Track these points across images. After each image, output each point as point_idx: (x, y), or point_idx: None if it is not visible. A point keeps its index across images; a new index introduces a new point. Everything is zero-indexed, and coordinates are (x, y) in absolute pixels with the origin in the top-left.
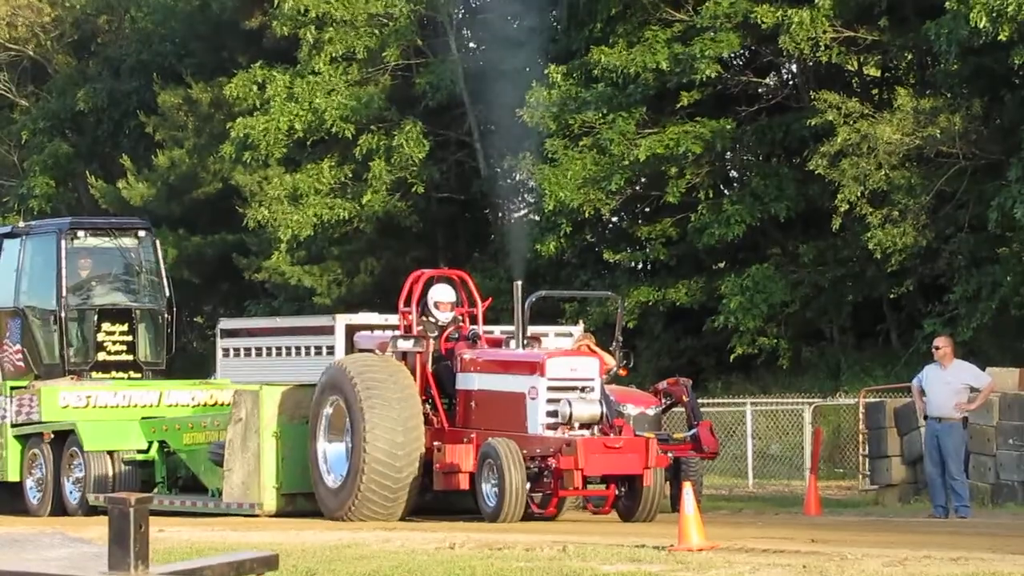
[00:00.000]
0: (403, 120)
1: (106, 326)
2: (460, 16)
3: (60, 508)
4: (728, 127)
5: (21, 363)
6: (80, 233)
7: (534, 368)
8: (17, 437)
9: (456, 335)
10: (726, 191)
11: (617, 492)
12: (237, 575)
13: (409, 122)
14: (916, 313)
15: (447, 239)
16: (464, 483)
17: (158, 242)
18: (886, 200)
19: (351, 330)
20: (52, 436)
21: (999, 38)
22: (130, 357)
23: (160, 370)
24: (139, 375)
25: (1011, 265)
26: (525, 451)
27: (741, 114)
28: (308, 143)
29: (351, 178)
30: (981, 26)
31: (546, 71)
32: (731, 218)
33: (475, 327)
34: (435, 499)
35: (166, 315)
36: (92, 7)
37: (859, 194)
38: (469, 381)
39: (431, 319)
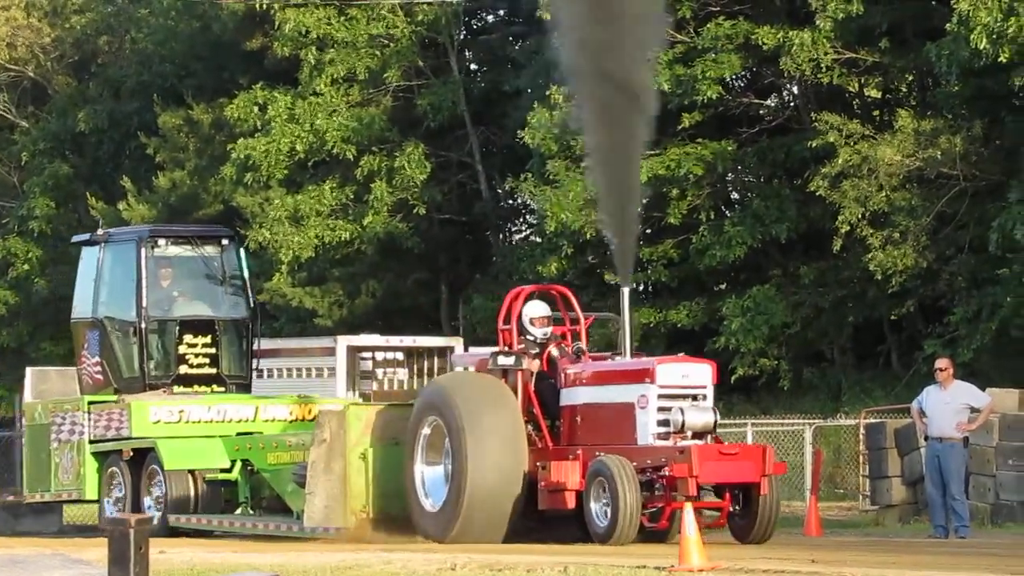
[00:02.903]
0: (404, 141)
1: (188, 338)
2: (462, 37)
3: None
4: (729, 148)
5: (100, 376)
6: (161, 241)
7: (644, 376)
8: (95, 454)
9: (558, 352)
10: (727, 212)
11: (732, 508)
12: None
13: (411, 143)
14: (917, 334)
15: (449, 261)
16: (571, 502)
17: (242, 251)
18: (887, 221)
19: (353, 351)
20: (132, 453)
21: (1000, 60)
22: (213, 370)
23: (244, 384)
24: (223, 389)
25: (1012, 287)
26: (635, 463)
27: (742, 135)
28: (309, 164)
29: (352, 199)
30: (982, 48)
31: (548, 92)
32: (732, 239)
33: (579, 343)
34: (537, 523)
35: (250, 326)
36: (92, 28)
37: (860, 215)
38: (574, 396)
39: (529, 336)
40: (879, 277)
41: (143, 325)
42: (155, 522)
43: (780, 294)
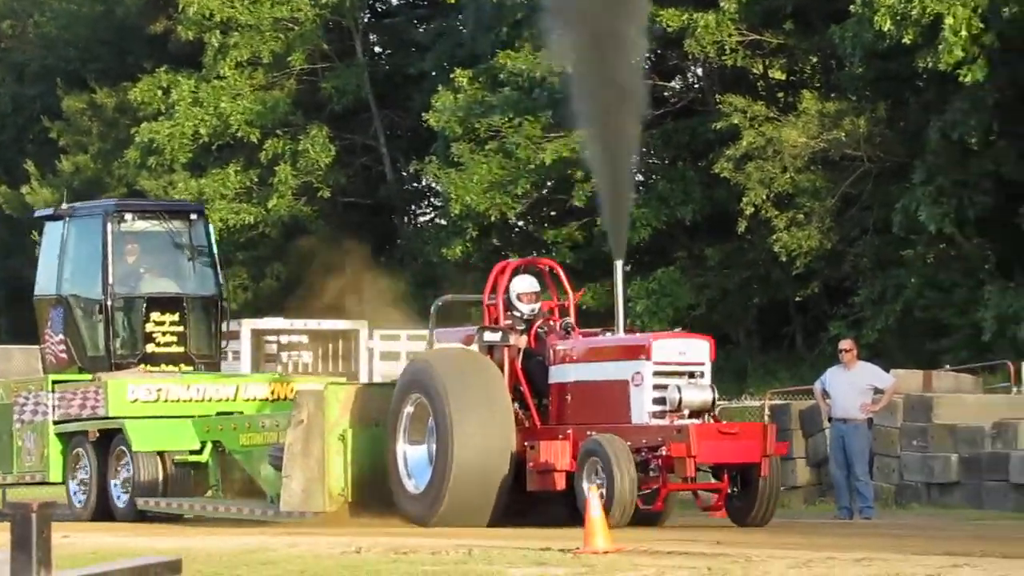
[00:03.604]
0: (309, 125)
1: (155, 316)
2: (366, 21)
3: (106, 512)
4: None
5: (64, 355)
6: (128, 216)
7: (639, 352)
8: (60, 435)
9: (546, 328)
10: (635, 195)
11: (731, 489)
12: None
13: (315, 127)
14: (821, 315)
15: (353, 244)
16: (560, 483)
17: (211, 226)
18: (791, 203)
19: (257, 335)
20: (98, 435)
21: (903, 41)
22: (181, 349)
23: (212, 363)
24: (190, 368)
25: (916, 268)
26: (630, 443)
27: (648, 118)
28: (213, 148)
29: (257, 183)
30: (886, 30)
31: (452, 75)
32: (637, 221)
33: (567, 318)
34: (525, 505)
35: (219, 304)
36: None
37: (764, 197)
38: (564, 374)
39: (516, 312)
40: (784, 259)
41: (109, 302)
42: (123, 505)
43: (685, 276)
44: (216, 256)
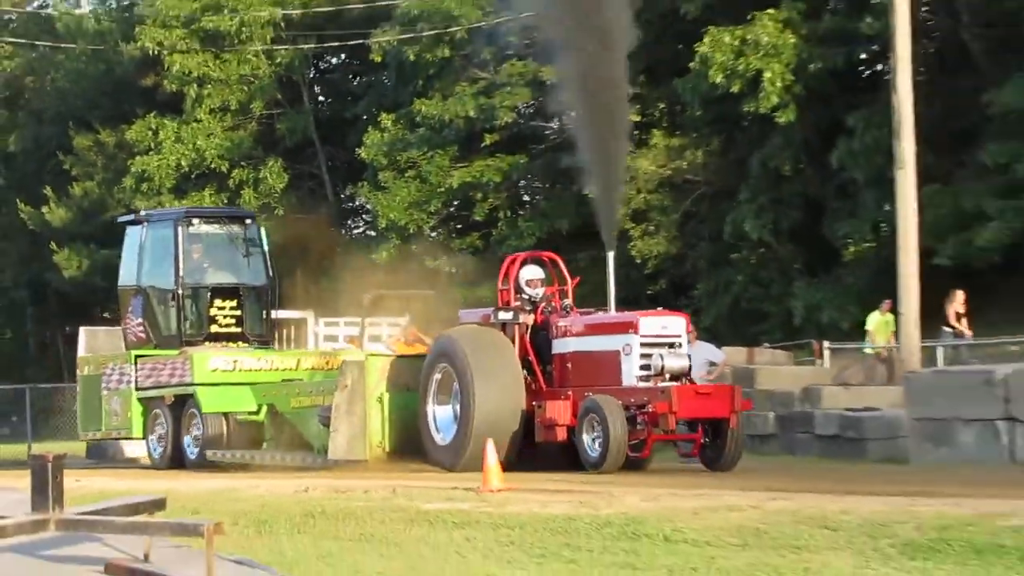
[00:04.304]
0: (267, 158)
1: (217, 302)
2: (311, 76)
3: (179, 461)
4: (522, 161)
5: (142, 335)
6: (195, 220)
7: (628, 327)
8: (140, 399)
9: (551, 308)
10: (520, 211)
11: (704, 439)
12: (133, 514)
13: (272, 159)
14: (669, 306)
15: (302, 251)
16: (562, 435)
17: (263, 229)
18: (645, 217)
19: None
20: (173, 399)
21: (732, 91)
22: (238, 329)
23: (264, 340)
24: (246, 344)
25: (742, 268)
26: (621, 401)
27: (532, 151)
28: (192, 176)
29: (226, 203)
30: (718, 81)
31: (379, 118)
32: (524, 232)
33: (567, 300)
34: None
35: (269, 292)
36: (20, 69)
37: (624, 213)
38: (565, 345)
39: (524, 295)
40: (639, 261)
41: (180, 291)
42: (193, 456)
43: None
44: (266, 253)
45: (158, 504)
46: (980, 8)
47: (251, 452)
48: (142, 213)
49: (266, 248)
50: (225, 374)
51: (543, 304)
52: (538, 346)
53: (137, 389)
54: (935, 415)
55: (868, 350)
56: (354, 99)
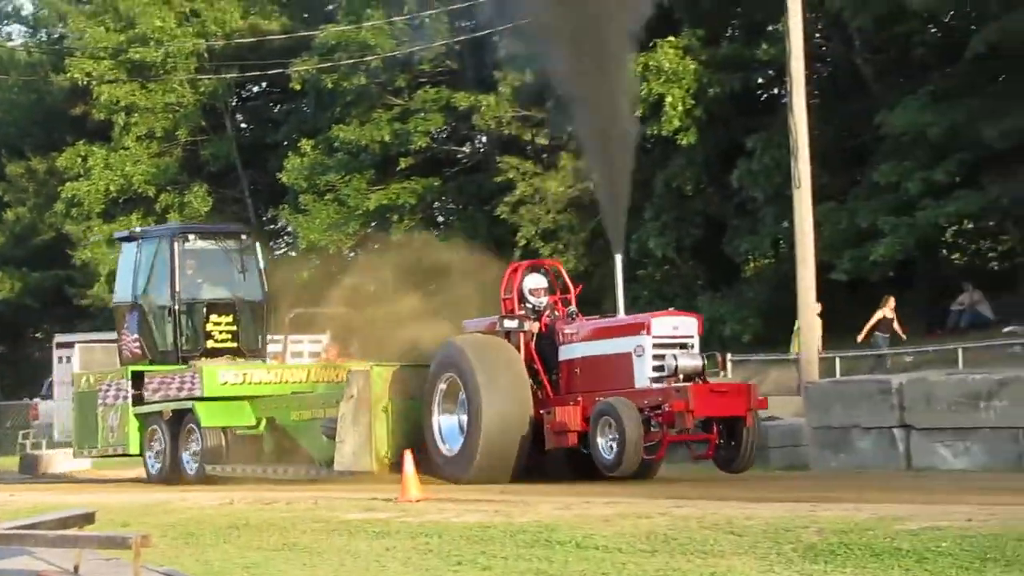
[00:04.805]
0: (192, 182)
1: (213, 318)
2: (234, 103)
3: (176, 477)
4: (436, 184)
5: (138, 350)
6: (190, 236)
7: (640, 328)
8: (137, 415)
9: (555, 316)
10: (436, 232)
11: (719, 440)
12: (63, 528)
13: (197, 184)
14: None
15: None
16: (574, 440)
17: (257, 244)
18: (554, 236)
19: None
20: (171, 414)
21: (637, 115)
22: (234, 344)
23: (259, 356)
24: (242, 359)
25: (647, 283)
26: (635, 403)
27: (446, 174)
28: (120, 201)
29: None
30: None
31: (299, 144)
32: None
33: (572, 307)
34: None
35: (264, 308)
36: None
37: (534, 232)
38: (573, 351)
39: (528, 304)
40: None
41: (176, 307)
42: (192, 472)
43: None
44: (261, 269)
45: (87, 518)
46: (871, 33)
47: (251, 466)
48: (137, 229)
49: (261, 263)
50: (236, 387)
51: (547, 312)
52: (543, 354)
53: (135, 404)
54: (834, 423)
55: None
56: (275, 125)
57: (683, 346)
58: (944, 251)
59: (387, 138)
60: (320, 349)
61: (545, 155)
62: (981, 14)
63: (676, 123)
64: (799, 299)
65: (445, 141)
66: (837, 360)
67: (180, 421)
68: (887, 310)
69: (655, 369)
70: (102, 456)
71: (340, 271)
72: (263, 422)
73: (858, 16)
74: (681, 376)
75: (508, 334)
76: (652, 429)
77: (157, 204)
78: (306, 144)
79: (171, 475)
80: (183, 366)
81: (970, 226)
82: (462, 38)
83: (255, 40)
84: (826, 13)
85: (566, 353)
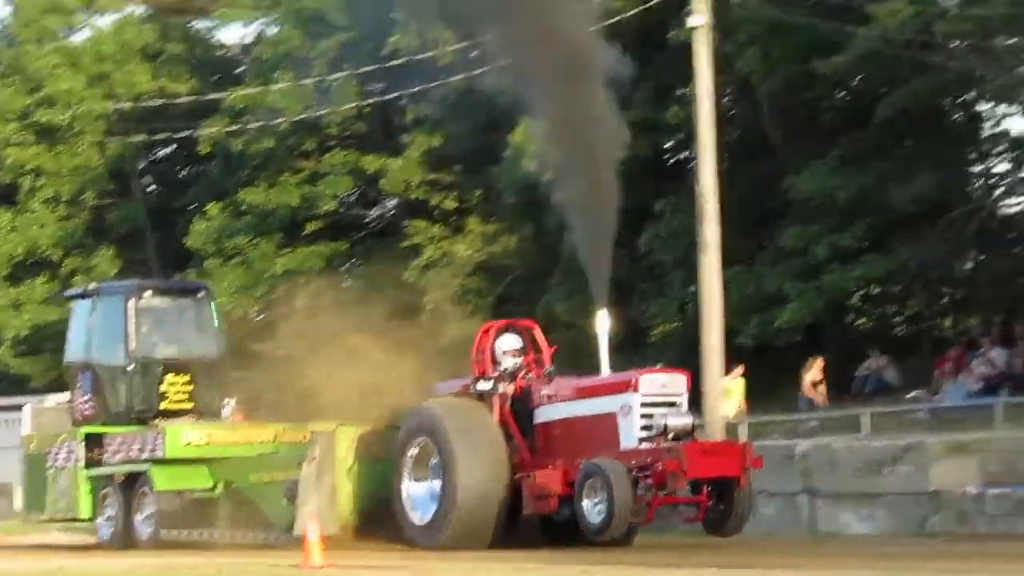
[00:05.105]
0: (99, 246)
1: (169, 377)
2: (141, 166)
3: (130, 542)
4: (343, 247)
5: (91, 411)
6: (146, 293)
7: (627, 386)
8: (89, 478)
9: (530, 377)
10: (342, 295)
11: (709, 503)
12: None
13: (103, 247)
14: None
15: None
16: (554, 505)
17: (213, 302)
18: (463, 300)
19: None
20: (123, 477)
21: (543, 178)
22: (190, 405)
23: (215, 415)
24: (158, 422)
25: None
26: (623, 464)
27: (353, 237)
28: (27, 264)
29: (60, 291)
30: (531, 170)
31: (206, 208)
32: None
33: (550, 367)
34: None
35: (221, 366)
36: None
37: (442, 297)
38: (551, 413)
39: (501, 365)
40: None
41: (131, 367)
42: (146, 537)
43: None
44: (217, 326)
45: None
46: (779, 97)
47: (208, 530)
48: (90, 286)
49: (216, 321)
50: (199, 448)
51: (521, 373)
52: (518, 416)
53: (87, 467)
54: None
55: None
56: (183, 188)
57: (671, 404)
58: (851, 316)
59: (295, 201)
60: (227, 413)
61: (454, 218)
62: (890, 79)
63: None
64: (704, 364)
65: (353, 204)
66: (745, 425)
67: (133, 484)
68: (816, 372)
69: (643, 428)
70: (50, 521)
71: (246, 335)
72: (220, 485)
73: (767, 80)
74: (670, 436)
75: (481, 396)
76: (638, 492)
77: (63, 268)
78: (213, 207)
79: (124, 540)
80: (144, 426)
81: (877, 291)
82: (371, 101)
83: (163, 103)
84: (735, 77)
85: (543, 415)
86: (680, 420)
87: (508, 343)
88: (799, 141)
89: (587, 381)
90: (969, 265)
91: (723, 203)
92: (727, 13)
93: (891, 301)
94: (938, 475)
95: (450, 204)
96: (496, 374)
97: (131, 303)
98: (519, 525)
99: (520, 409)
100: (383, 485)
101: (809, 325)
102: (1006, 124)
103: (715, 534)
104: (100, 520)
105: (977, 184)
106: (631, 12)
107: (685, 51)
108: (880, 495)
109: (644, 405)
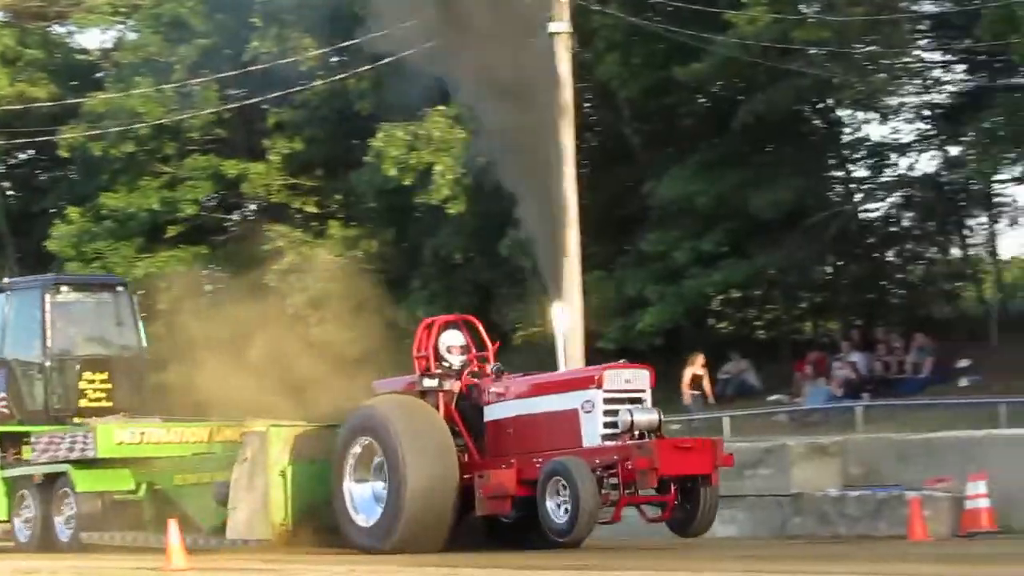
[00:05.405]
0: None
1: (87, 375)
2: (1, 171)
3: (50, 544)
4: (205, 251)
5: (6, 410)
6: (63, 288)
7: (589, 382)
8: (5, 479)
9: (477, 373)
10: (203, 299)
11: (677, 500)
12: None
13: None
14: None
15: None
16: (508, 506)
17: (134, 297)
18: (323, 304)
19: None
20: (42, 478)
21: (405, 183)
22: (109, 404)
23: (136, 414)
24: (87, 420)
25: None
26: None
27: (214, 242)
28: None
29: None
30: (391, 175)
31: (66, 212)
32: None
33: (497, 364)
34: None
35: (142, 363)
36: None
37: (303, 301)
38: (502, 411)
39: (444, 363)
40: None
41: (48, 363)
42: (66, 539)
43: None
44: (138, 322)
45: None
46: (639, 103)
47: (132, 534)
48: (5, 281)
49: (138, 317)
50: (132, 448)
51: (467, 370)
52: (464, 414)
53: (2, 468)
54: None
55: None
56: (42, 193)
57: (636, 400)
58: (711, 320)
59: (155, 206)
60: None
61: (315, 223)
62: (748, 85)
63: (445, 192)
64: (566, 369)
65: (214, 209)
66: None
67: (52, 486)
68: (697, 367)
69: (607, 426)
70: None
71: None
72: (143, 487)
73: (627, 86)
74: (637, 432)
75: (423, 394)
76: (603, 490)
77: None
78: (73, 212)
79: (43, 543)
80: (71, 425)
81: (737, 295)
82: (232, 106)
83: (22, 107)
84: (595, 83)
85: (493, 413)
86: (647, 416)
87: (452, 339)
88: (659, 147)
89: (542, 377)
90: (828, 270)
91: (584, 208)
92: (587, 20)
93: (751, 305)
94: (799, 477)
95: (311, 208)
96: (439, 371)
97: (47, 298)
98: (464, 527)
99: (466, 407)
100: (318, 488)
101: (670, 329)
102: (865, 130)
103: (681, 534)
104: (17, 522)
105: (837, 190)
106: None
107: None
108: (742, 497)
109: (608, 401)
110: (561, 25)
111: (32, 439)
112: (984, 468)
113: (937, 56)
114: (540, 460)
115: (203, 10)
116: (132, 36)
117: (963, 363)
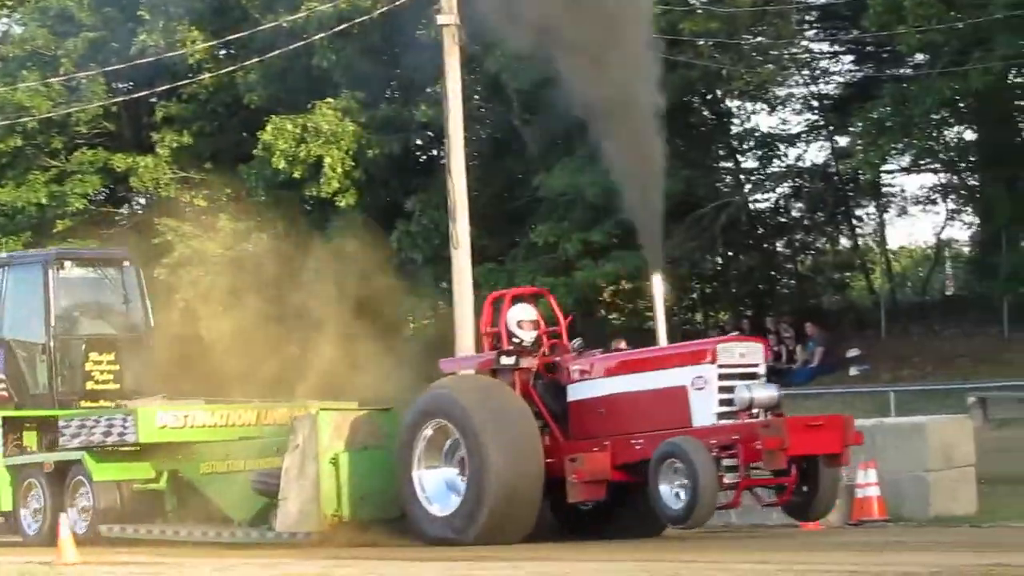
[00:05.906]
0: None
1: (93, 356)
2: None
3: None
4: (94, 246)
5: (4, 393)
6: (66, 263)
7: (701, 357)
8: (9, 467)
9: (553, 350)
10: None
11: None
12: None
13: None
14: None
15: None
16: (604, 492)
17: (140, 272)
18: (213, 298)
19: None
20: (52, 467)
21: (295, 176)
22: (117, 386)
23: (143, 396)
24: (126, 402)
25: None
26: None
27: (103, 236)
28: None
29: None
30: (281, 168)
31: None
32: None
33: (577, 339)
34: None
35: (150, 343)
36: None
37: (193, 294)
38: (588, 389)
39: (515, 339)
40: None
41: (51, 344)
42: (82, 532)
43: None
44: (146, 299)
45: None
46: (529, 95)
47: (154, 526)
48: (3, 255)
49: (145, 293)
50: (176, 432)
51: (540, 347)
52: (542, 394)
53: (4, 456)
54: None
55: None
56: None
57: (751, 376)
58: (603, 311)
59: (44, 200)
60: None
61: (205, 216)
62: None
63: (335, 185)
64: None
65: (103, 203)
66: None
67: (64, 475)
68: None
69: (723, 403)
70: None
71: None
72: (164, 476)
73: (516, 79)
74: (755, 411)
75: (494, 373)
76: (719, 472)
77: None
78: None
79: (53, 537)
80: (109, 407)
81: (628, 286)
82: (120, 99)
83: None
84: (484, 75)
85: (578, 392)
86: (767, 392)
87: (523, 313)
88: (548, 140)
89: (641, 353)
90: (719, 260)
91: (473, 200)
92: (475, 11)
93: (642, 296)
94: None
95: (201, 202)
96: (514, 349)
97: (50, 273)
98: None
99: (545, 386)
100: (371, 475)
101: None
102: (754, 121)
103: (799, 519)
104: (25, 514)
105: (726, 180)
106: (381, 10)
107: (435, 49)
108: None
109: (722, 377)
110: (449, 17)
111: (61, 423)
112: (874, 457)
113: (825, 47)
114: (641, 442)
115: (90, 3)
116: (18, 29)
117: (853, 352)
